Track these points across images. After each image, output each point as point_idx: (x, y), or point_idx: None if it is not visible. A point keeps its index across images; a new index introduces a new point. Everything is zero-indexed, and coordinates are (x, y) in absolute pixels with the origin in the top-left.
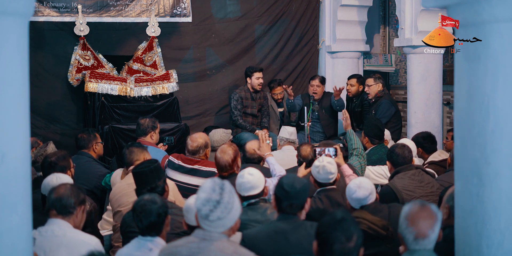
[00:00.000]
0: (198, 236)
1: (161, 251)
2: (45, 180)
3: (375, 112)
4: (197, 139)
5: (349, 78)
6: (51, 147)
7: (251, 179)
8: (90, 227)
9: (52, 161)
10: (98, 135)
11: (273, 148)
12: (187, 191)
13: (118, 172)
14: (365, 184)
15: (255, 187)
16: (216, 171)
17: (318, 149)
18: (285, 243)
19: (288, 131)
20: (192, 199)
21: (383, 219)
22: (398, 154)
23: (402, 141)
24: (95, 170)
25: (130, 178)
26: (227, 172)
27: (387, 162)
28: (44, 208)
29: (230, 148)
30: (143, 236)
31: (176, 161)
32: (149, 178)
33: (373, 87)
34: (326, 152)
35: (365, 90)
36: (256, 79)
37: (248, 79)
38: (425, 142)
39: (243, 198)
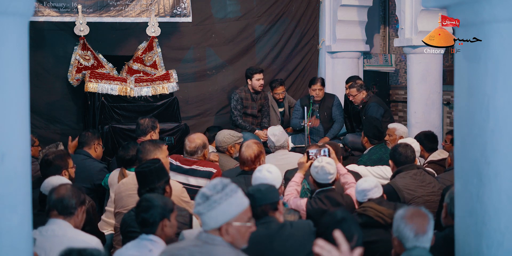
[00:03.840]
0: (201, 239)
1: (163, 252)
2: (46, 180)
3: (365, 117)
4: (195, 140)
5: (347, 82)
6: (61, 148)
7: (268, 176)
8: (89, 225)
9: (48, 159)
10: (100, 138)
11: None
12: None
13: (115, 172)
14: (371, 178)
15: None
16: (214, 171)
17: (312, 151)
18: (269, 248)
19: (273, 133)
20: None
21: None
22: (401, 153)
23: (407, 140)
24: (91, 167)
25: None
26: (249, 167)
27: (390, 161)
28: (41, 207)
29: (255, 145)
30: (141, 232)
31: (174, 162)
32: (148, 178)
33: (357, 96)
34: (322, 153)
35: (350, 99)
36: (257, 81)
37: (248, 80)
38: (426, 139)
39: None
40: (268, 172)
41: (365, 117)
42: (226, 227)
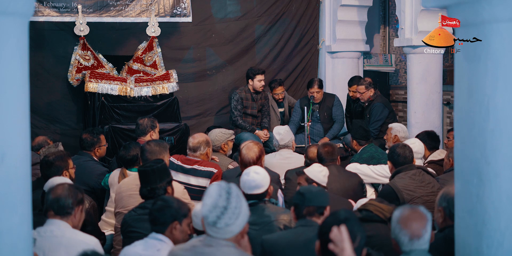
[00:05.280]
0: (205, 242)
1: (169, 252)
2: (50, 180)
3: (369, 115)
4: (198, 137)
5: (350, 85)
6: (60, 148)
7: (257, 177)
8: (90, 225)
9: (48, 160)
10: (103, 137)
11: (273, 149)
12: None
13: (116, 172)
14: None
15: (259, 186)
16: (214, 171)
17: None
18: (308, 251)
19: (278, 132)
20: (200, 205)
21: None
22: (399, 154)
23: (411, 140)
24: (93, 169)
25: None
26: None
27: (388, 162)
28: (43, 207)
29: (256, 146)
30: (151, 231)
31: (176, 161)
32: (150, 178)
33: (365, 94)
34: None
35: (357, 96)
36: (258, 82)
37: (250, 80)
38: (429, 138)
39: (246, 196)
40: (256, 174)
41: (353, 122)
42: (245, 227)
